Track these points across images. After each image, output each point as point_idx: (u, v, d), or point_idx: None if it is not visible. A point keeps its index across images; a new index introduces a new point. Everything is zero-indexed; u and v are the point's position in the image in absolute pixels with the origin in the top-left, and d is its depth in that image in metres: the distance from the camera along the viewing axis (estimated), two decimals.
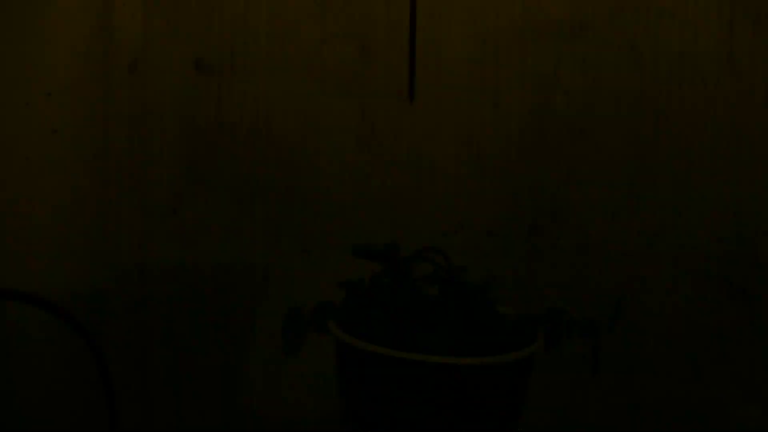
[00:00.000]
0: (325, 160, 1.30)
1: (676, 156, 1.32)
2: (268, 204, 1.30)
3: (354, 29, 1.29)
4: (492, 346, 0.91)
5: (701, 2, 1.29)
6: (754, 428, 1.34)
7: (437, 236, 1.30)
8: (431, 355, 0.87)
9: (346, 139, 1.30)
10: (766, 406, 1.35)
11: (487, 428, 0.90)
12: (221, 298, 1.30)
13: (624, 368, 1.34)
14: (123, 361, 1.29)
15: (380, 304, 0.93)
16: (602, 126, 1.32)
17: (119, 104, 1.28)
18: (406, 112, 1.30)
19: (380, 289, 0.95)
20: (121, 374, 1.28)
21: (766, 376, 1.34)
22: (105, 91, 1.29)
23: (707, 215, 1.32)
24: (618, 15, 1.30)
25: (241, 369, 1.31)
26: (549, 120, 1.31)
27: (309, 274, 1.30)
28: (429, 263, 0.97)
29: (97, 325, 1.29)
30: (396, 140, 1.31)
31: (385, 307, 0.92)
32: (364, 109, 1.30)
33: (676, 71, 1.30)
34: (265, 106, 1.29)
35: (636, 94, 1.31)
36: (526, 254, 1.32)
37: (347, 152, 1.30)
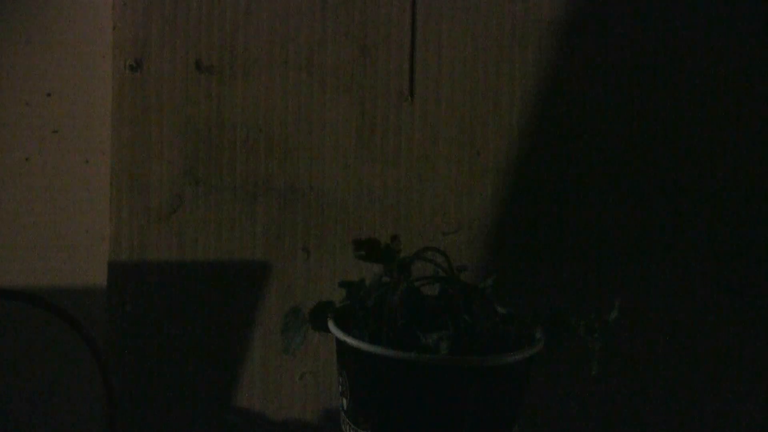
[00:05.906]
0: (325, 159, 1.30)
1: (677, 156, 1.32)
2: (268, 203, 1.30)
3: (354, 29, 1.29)
4: (492, 347, 0.91)
5: None
6: (753, 427, 1.34)
7: (437, 236, 1.30)
8: (431, 355, 0.87)
9: (346, 138, 1.30)
10: (765, 406, 1.35)
11: (487, 428, 0.90)
12: (221, 298, 1.30)
13: (624, 368, 1.34)
14: (122, 361, 1.29)
15: (380, 304, 0.93)
16: (602, 126, 1.32)
17: (119, 104, 1.28)
18: (405, 111, 1.30)
19: (380, 289, 0.94)
20: (121, 374, 1.28)
21: (766, 375, 1.34)
22: (105, 92, 1.29)
23: (707, 214, 1.32)
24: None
25: (241, 369, 1.31)
26: (549, 119, 1.31)
27: (309, 274, 1.30)
28: (429, 263, 0.97)
29: (97, 324, 1.29)
30: (396, 140, 1.30)
31: (385, 307, 0.92)
32: (364, 109, 1.30)
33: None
34: (265, 106, 1.29)
35: (635, 94, 1.31)
36: (526, 254, 1.32)
37: (347, 152, 1.30)
